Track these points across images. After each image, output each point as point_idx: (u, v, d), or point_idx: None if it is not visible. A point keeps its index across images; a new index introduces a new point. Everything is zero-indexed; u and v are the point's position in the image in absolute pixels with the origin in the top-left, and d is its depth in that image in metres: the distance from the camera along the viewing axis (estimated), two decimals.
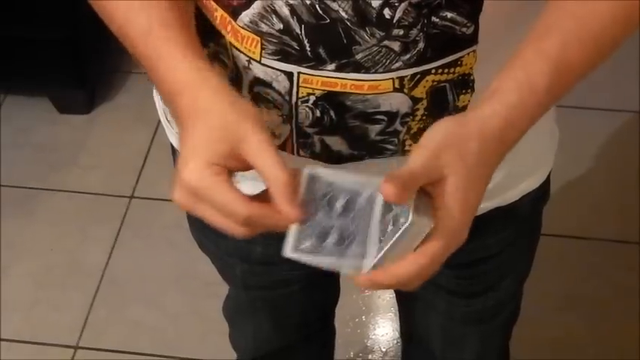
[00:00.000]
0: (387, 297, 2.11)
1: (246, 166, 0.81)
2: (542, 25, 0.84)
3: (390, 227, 0.79)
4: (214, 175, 0.80)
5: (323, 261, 0.82)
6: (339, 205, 0.83)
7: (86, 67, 2.51)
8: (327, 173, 0.83)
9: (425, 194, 0.80)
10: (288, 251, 0.83)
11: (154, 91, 1.16)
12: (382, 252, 0.79)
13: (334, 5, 0.85)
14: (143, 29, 0.86)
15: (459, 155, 0.79)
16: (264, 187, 0.81)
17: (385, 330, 2.09)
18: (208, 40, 0.95)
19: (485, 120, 0.81)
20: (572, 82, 0.85)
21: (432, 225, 0.79)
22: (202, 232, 1.28)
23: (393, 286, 0.81)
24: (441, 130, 0.80)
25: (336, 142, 0.96)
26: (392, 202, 0.77)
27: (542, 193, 1.16)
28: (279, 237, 1.19)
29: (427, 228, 0.79)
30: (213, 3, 0.91)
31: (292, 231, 0.83)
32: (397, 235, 0.78)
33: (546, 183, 1.16)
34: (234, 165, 0.81)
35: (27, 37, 2.40)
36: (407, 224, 0.77)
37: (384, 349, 2.06)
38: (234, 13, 0.89)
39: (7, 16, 2.36)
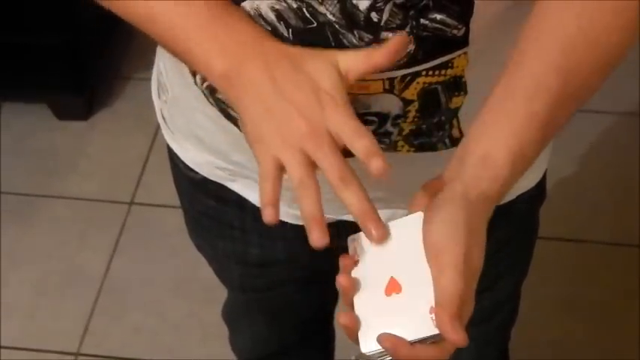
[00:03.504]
0: None
1: None
2: (529, 79, 0.83)
3: None
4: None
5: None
6: None
7: (85, 73, 2.51)
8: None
9: None
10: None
11: (153, 92, 1.16)
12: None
13: (322, 9, 0.84)
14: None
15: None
16: None
17: None
18: None
19: (487, 200, 0.84)
20: (552, 137, 0.87)
21: None
22: (199, 234, 1.28)
23: None
24: (459, 243, 0.83)
25: None
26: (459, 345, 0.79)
27: (538, 192, 1.16)
28: (274, 238, 1.19)
29: None
30: None
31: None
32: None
33: (542, 182, 1.16)
34: None
35: (25, 43, 2.40)
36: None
37: None
38: None
39: (4, 23, 2.36)
